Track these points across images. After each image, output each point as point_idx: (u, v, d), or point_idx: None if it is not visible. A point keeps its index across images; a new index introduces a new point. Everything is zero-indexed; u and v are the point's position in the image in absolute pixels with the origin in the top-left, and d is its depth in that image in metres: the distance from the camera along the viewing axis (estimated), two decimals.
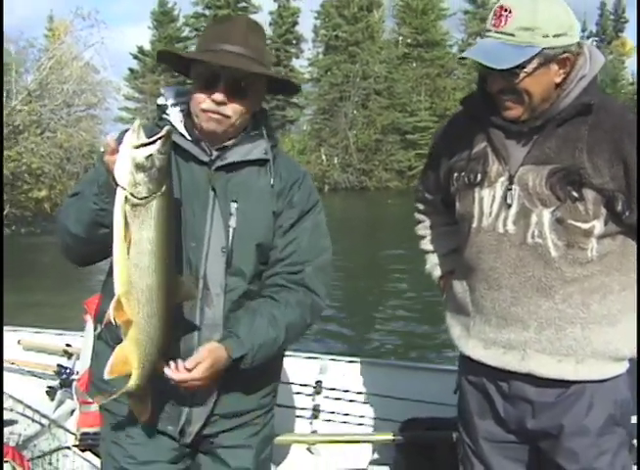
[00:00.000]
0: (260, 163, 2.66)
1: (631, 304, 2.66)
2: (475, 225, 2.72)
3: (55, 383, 4.74)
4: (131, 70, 60.13)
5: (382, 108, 58.21)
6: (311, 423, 4.31)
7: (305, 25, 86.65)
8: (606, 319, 2.63)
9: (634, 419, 2.78)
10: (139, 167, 2.24)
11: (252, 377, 2.66)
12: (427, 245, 3.21)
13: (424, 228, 3.22)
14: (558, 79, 2.57)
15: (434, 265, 3.19)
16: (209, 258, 2.56)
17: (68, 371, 4.68)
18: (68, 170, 27.53)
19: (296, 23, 62.52)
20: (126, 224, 2.27)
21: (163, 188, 2.28)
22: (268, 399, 2.81)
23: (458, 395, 2.99)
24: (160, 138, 2.25)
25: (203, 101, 2.54)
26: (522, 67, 2.48)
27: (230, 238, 2.57)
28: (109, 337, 2.63)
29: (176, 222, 2.50)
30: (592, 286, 2.62)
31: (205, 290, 2.57)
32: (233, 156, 2.61)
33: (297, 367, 4.39)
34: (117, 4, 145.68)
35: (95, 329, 2.76)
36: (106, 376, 2.40)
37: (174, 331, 2.50)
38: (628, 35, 69.12)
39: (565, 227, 2.55)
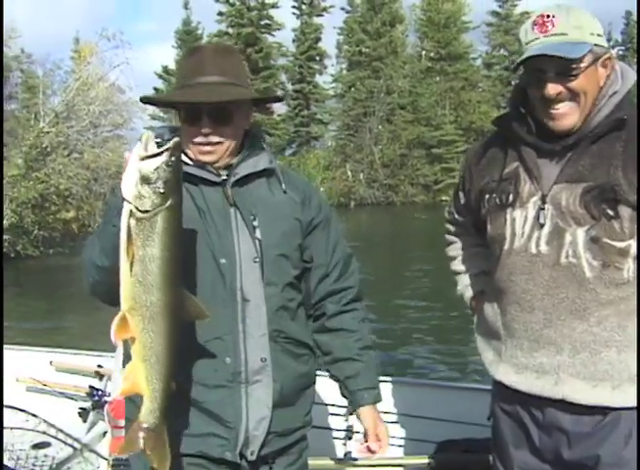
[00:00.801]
0: (267, 174, 2.72)
1: None
2: (506, 247, 2.67)
3: (87, 404, 4.74)
4: (156, 89, 60.06)
5: (406, 122, 58.05)
6: (345, 444, 4.22)
7: (329, 41, 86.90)
8: None
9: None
10: (144, 180, 2.20)
11: (299, 393, 2.73)
12: (458, 266, 3.18)
13: (455, 249, 3.20)
14: (602, 82, 2.57)
15: (465, 286, 3.15)
16: (243, 270, 2.59)
17: (100, 393, 4.68)
18: (96, 191, 27.63)
19: (319, 40, 62.41)
20: (131, 239, 2.22)
21: (169, 202, 2.23)
22: (309, 416, 2.83)
23: (492, 422, 2.94)
24: (167, 150, 2.22)
25: (193, 135, 2.59)
26: (579, 63, 2.49)
27: (259, 249, 2.61)
28: None
29: (202, 246, 2.54)
30: (628, 308, 2.55)
31: (244, 301, 2.59)
32: (243, 170, 2.66)
33: (331, 387, 4.25)
34: (142, 24, 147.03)
35: (124, 348, 2.75)
36: (118, 396, 2.37)
37: (221, 347, 2.54)
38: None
39: (600, 246, 2.50)
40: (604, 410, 2.56)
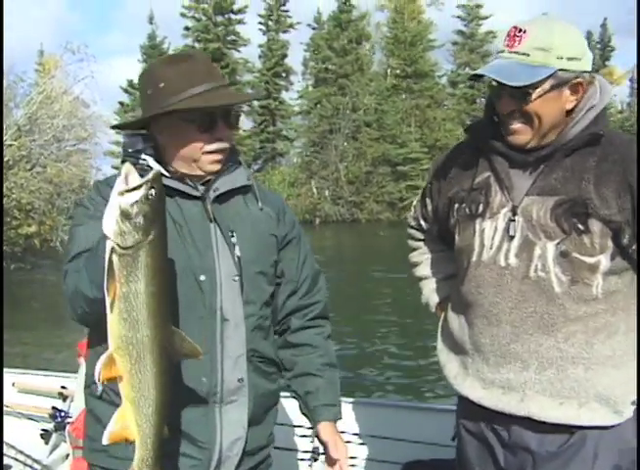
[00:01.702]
0: (244, 190, 2.66)
1: (636, 346, 2.56)
2: (474, 259, 2.62)
3: (49, 426, 4.64)
4: (121, 103, 60.15)
5: (372, 140, 58.51)
6: (310, 466, 4.08)
7: (295, 58, 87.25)
8: (610, 361, 2.52)
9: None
10: (124, 215, 2.11)
11: (267, 411, 2.69)
12: (422, 271, 3.10)
13: (419, 255, 3.12)
14: (569, 106, 2.51)
15: (430, 291, 3.06)
16: (223, 288, 2.53)
17: (62, 414, 4.58)
18: (59, 206, 27.44)
19: (285, 56, 62.76)
20: (115, 276, 2.13)
21: (151, 236, 2.14)
22: (273, 434, 2.78)
23: (456, 442, 2.88)
24: (145, 182, 2.13)
25: (206, 143, 2.51)
26: (535, 87, 2.43)
27: (239, 267, 2.55)
28: (113, 396, 2.46)
29: (180, 261, 2.45)
30: (597, 325, 2.51)
31: (224, 321, 2.52)
32: (222, 186, 2.59)
33: (295, 408, 4.25)
34: (107, 38, 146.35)
35: (87, 386, 2.62)
36: (104, 441, 2.24)
37: (197, 367, 2.45)
38: (616, 64, 69.99)
39: (569, 261, 2.46)
40: (570, 429, 2.52)
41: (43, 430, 4.68)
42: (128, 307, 2.16)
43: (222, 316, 2.52)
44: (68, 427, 4.29)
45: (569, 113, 2.52)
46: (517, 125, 2.50)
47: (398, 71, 62.02)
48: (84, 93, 29.46)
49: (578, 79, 2.48)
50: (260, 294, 2.64)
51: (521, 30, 2.46)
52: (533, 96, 2.44)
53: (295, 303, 2.80)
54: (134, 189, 2.12)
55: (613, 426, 2.51)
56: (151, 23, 61.98)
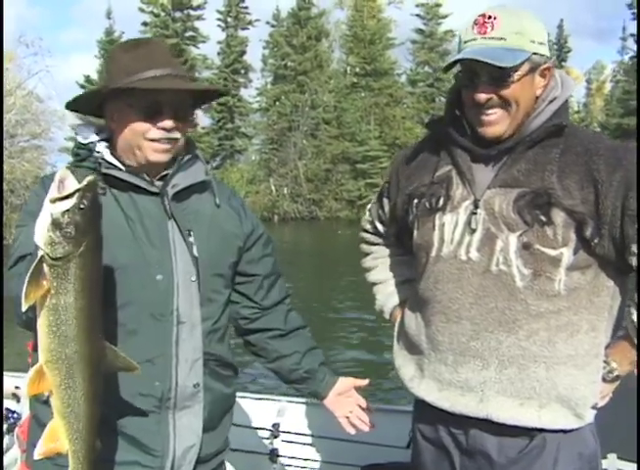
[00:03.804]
0: (202, 186, 2.60)
1: (600, 347, 2.52)
2: (434, 254, 2.57)
3: (2, 428, 4.44)
4: None
5: (331, 137, 58.68)
6: (269, 468, 4.10)
7: (254, 55, 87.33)
8: (572, 360, 2.47)
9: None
10: (55, 224, 2.02)
11: (223, 416, 2.65)
12: (377, 275, 3.03)
13: (373, 259, 3.06)
14: (538, 92, 2.51)
15: (387, 296, 2.98)
16: (180, 289, 2.46)
17: (15, 415, 4.41)
18: (12, 203, 27.08)
19: (244, 53, 62.71)
20: (41, 285, 2.04)
21: (82, 247, 2.05)
22: (228, 438, 2.74)
23: (412, 448, 2.84)
24: (78, 190, 2.03)
25: (148, 130, 2.43)
26: (515, 70, 2.41)
27: (196, 267, 2.49)
28: None
29: (134, 258, 2.41)
30: (559, 323, 2.46)
31: (180, 323, 2.46)
32: (182, 181, 2.52)
33: (254, 409, 4.30)
34: (65, 33, 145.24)
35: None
36: (35, 456, 2.20)
37: (150, 371, 2.40)
38: (573, 64, 71.14)
39: (531, 253, 2.41)
40: (530, 432, 2.47)
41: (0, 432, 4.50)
42: (58, 321, 2.09)
43: (178, 318, 2.46)
44: (16, 429, 4.19)
45: (536, 99, 2.53)
46: (493, 116, 2.47)
47: (358, 69, 62.22)
48: (39, 88, 29.19)
49: (547, 64, 2.50)
50: (217, 296, 2.59)
51: (490, 17, 2.44)
52: (515, 78, 2.42)
53: (277, 295, 2.83)
54: (66, 197, 2.03)
55: (573, 430, 2.48)
56: (109, 17, 61.35)
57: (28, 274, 2.03)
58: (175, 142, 2.47)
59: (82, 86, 59.33)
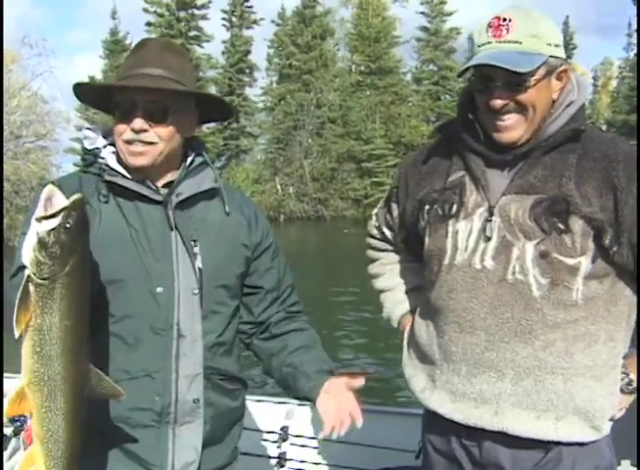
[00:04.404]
0: (211, 193, 2.53)
1: (618, 358, 2.45)
2: (447, 262, 2.49)
3: (8, 431, 4.36)
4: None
5: (336, 136, 58.78)
6: None
7: (259, 54, 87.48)
8: (590, 372, 2.40)
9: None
10: (40, 244, 2.00)
11: (228, 429, 2.58)
12: (384, 282, 2.94)
13: (380, 266, 2.96)
14: (555, 95, 2.44)
15: (393, 304, 2.89)
16: (181, 302, 2.40)
17: (22, 418, 4.26)
18: (17, 204, 27.15)
19: (248, 52, 62.86)
20: (28, 306, 2.03)
21: (68, 267, 2.03)
22: (236, 451, 2.66)
23: (422, 460, 2.75)
24: (63, 209, 2.01)
25: (123, 131, 2.38)
26: (531, 75, 2.34)
27: (200, 280, 2.42)
28: None
29: (135, 270, 2.36)
30: (576, 333, 2.39)
31: (180, 337, 2.39)
32: (186, 190, 2.46)
33: (263, 412, 4.25)
34: (69, 34, 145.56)
35: None
36: None
37: (150, 385, 2.37)
38: (578, 61, 71.08)
39: (549, 262, 2.34)
40: (546, 445, 2.40)
41: (1, 435, 4.41)
42: (41, 341, 2.06)
43: (179, 332, 2.40)
44: (22, 433, 4.14)
45: (552, 104, 2.46)
46: (509, 121, 2.40)
47: (363, 68, 62.53)
48: (43, 89, 29.22)
49: (564, 67, 2.43)
50: (222, 308, 2.51)
51: (505, 19, 2.38)
52: (531, 82, 2.35)
53: (275, 309, 2.69)
54: (52, 215, 2.01)
55: (589, 442, 2.41)
56: (114, 18, 61.67)
57: (17, 298, 2.01)
58: (151, 146, 2.39)
59: None
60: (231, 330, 2.56)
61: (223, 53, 62.65)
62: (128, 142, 2.37)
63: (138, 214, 2.40)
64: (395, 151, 56.40)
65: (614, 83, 70.13)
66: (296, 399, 2.77)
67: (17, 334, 2.03)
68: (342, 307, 17.24)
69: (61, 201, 2.02)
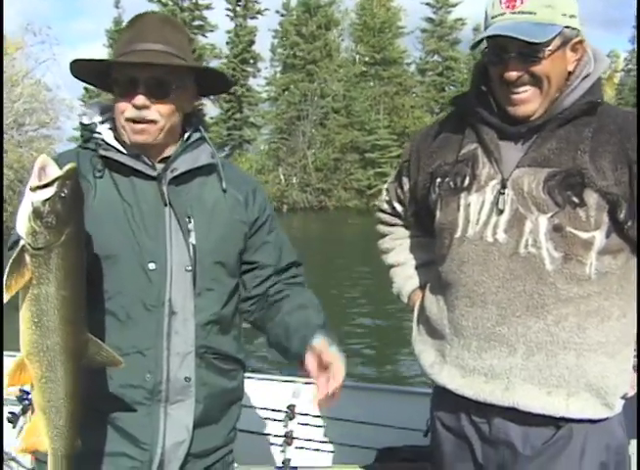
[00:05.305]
0: (207, 169, 2.51)
1: (631, 334, 2.45)
2: (458, 235, 2.49)
3: (17, 409, 4.41)
4: (86, 88, 59.67)
5: (340, 126, 58.69)
6: (283, 451, 4.07)
7: (263, 44, 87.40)
8: (603, 347, 2.39)
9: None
10: (36, 213, 2.00)
11: (224, 410, 2.55)
12: (395, 257, 2.93)
13: (391, 241, 2.95)
14: (570, 67, 2.42)
15: (404, 279, 2.88)
16: (174, 279, 2.38)
17: (30, 396, 4.22)
18: (20, 192, 26.97)
19: (253, 42, 62.70)
20: (22, 274, 2.02)
21: (63, 237, 2.02)
22: (233, 433, 2.63)
23: (431, 438, 2.75)
24: (57, 178, 2.00)
25: (125, 109, 2.36)
26: (546, 45, 2.32)
27: (193, 256, 2.40)
28: None
29: (127, 246, 2.35)
30: (589, 308, 2.38)
31: (172, 314, 2.37)
32: (182, 165, 2.43)
33: (269, 391, 4.30)
34: (73, 23, 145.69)
35: None
36: (18, 452, 2.22)
37: (141, 362, 2.35)
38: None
39: (563, 236, 2.33)
40: (557, 422, 2.40)
41: (10, 413, 4.45)
42: (39, 312, 2.07)
43: (170, 309, 2.38)
44: (29, 412, 4.12)
45: (568, 76, 2.44)
46: (524, 94, 2.39)
47: (367, 58, 62.30)
48: (47, 77, 29.21)
49: (579, 38, 2.42)
50: (216, 286, 2.48)
51: None
52: (546, 53, 2.34)
53: (272, 282, 2.66)
54: (47, 185, 2.01)
55: (601, 420, 2.41)
56: (117, 7, 61.71)
57: (9, 265, 2.01)
58: (153, 123, 2.37)
59: None
60: (228, 309, 2.52)
61: (227, 43, 62.52)
62: (129, 119, 2.35)
63: (133, 190, 2.39)
64: (399, 142, 56.24)
65: (619, 75, 69.84)
66: (287, 359, 2.64)
67: (5, 298, 2.02)
68: (344, 298, 17.21)
69: (55, 170, 2.01)
